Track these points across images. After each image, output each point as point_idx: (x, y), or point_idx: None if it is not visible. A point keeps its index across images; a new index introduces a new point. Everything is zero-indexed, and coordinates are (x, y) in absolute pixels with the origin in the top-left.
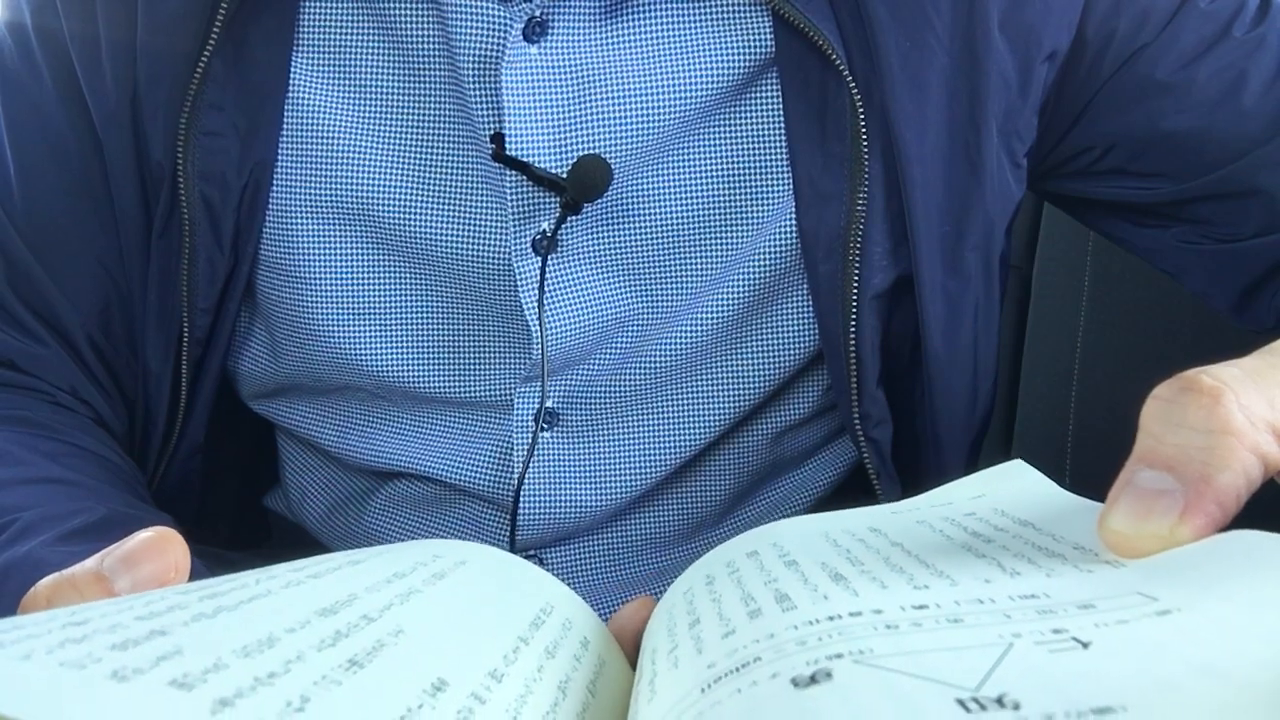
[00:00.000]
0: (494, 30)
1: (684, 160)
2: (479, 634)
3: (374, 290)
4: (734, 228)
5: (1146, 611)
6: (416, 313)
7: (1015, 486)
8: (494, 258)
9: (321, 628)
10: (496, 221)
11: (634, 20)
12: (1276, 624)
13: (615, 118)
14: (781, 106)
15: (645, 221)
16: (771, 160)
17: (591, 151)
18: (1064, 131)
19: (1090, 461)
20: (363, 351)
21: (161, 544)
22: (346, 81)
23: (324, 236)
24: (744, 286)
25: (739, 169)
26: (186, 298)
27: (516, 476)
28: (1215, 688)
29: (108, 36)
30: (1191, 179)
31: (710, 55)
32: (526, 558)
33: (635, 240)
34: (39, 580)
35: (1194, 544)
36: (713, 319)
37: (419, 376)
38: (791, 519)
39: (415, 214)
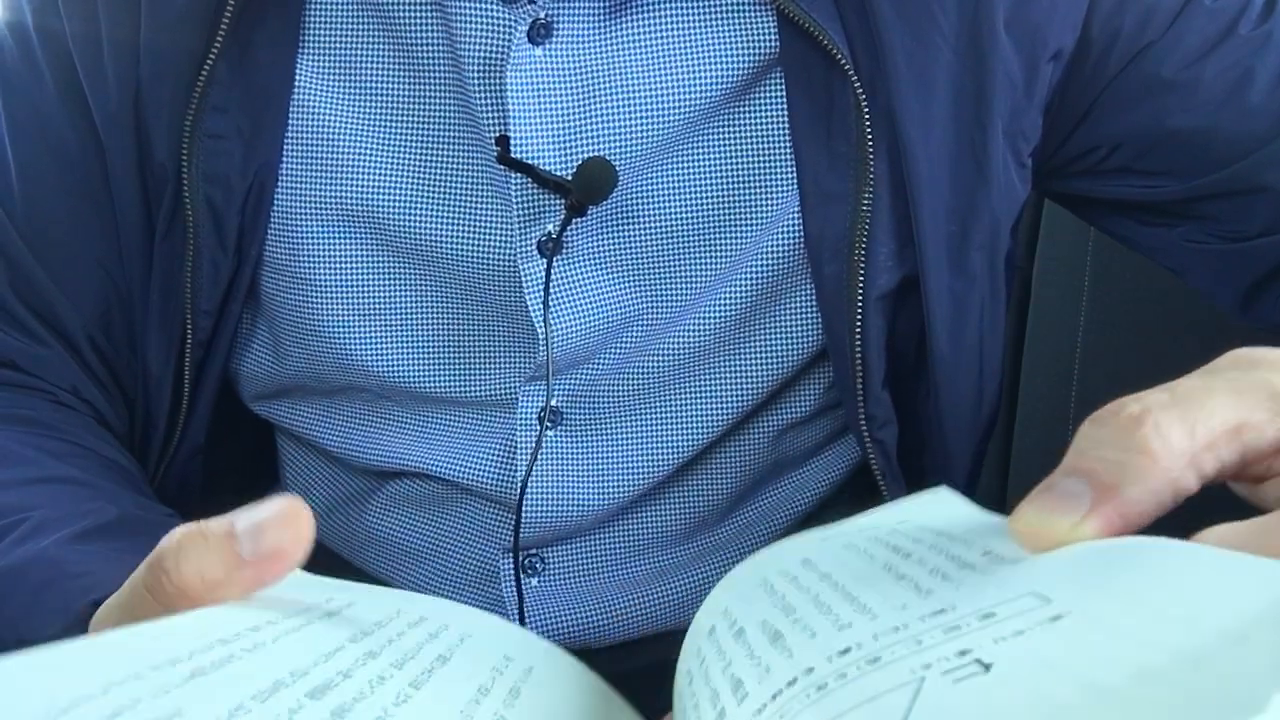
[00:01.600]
0: (498, 32)
1: (689, 161)
2: None
3: (378, 291)
4: (739, 228)
5: (1040, 618)
6: (421, 313)
7: (941, 509)
8: (499, 259)
9: None
10: (501, 223)
11: (638, 20)
12: (1154, 628)
13: (620, 119)
14: (786, 106)
15: (650, 222)
16: (777, 160)
17: (597, 153)
18: (1069, 131)
19: None
20: (367, 352)
21: (291, 516)
22: (351, 84)
23: (329, 238)
24: (748, 286)
25: (744, 169)
26: (189, 300)
27: (520, 475)
28: (1103, 709)
29: (110, 37)
30: (1198, 177)
31: (715, 55)
32: (527, 557)
33: (640, 241)
34: (55, 578)
35: (1089, 545)
36: (717, 318)
37: (423, 377)
38: (732, 572)
39: (420, 216)
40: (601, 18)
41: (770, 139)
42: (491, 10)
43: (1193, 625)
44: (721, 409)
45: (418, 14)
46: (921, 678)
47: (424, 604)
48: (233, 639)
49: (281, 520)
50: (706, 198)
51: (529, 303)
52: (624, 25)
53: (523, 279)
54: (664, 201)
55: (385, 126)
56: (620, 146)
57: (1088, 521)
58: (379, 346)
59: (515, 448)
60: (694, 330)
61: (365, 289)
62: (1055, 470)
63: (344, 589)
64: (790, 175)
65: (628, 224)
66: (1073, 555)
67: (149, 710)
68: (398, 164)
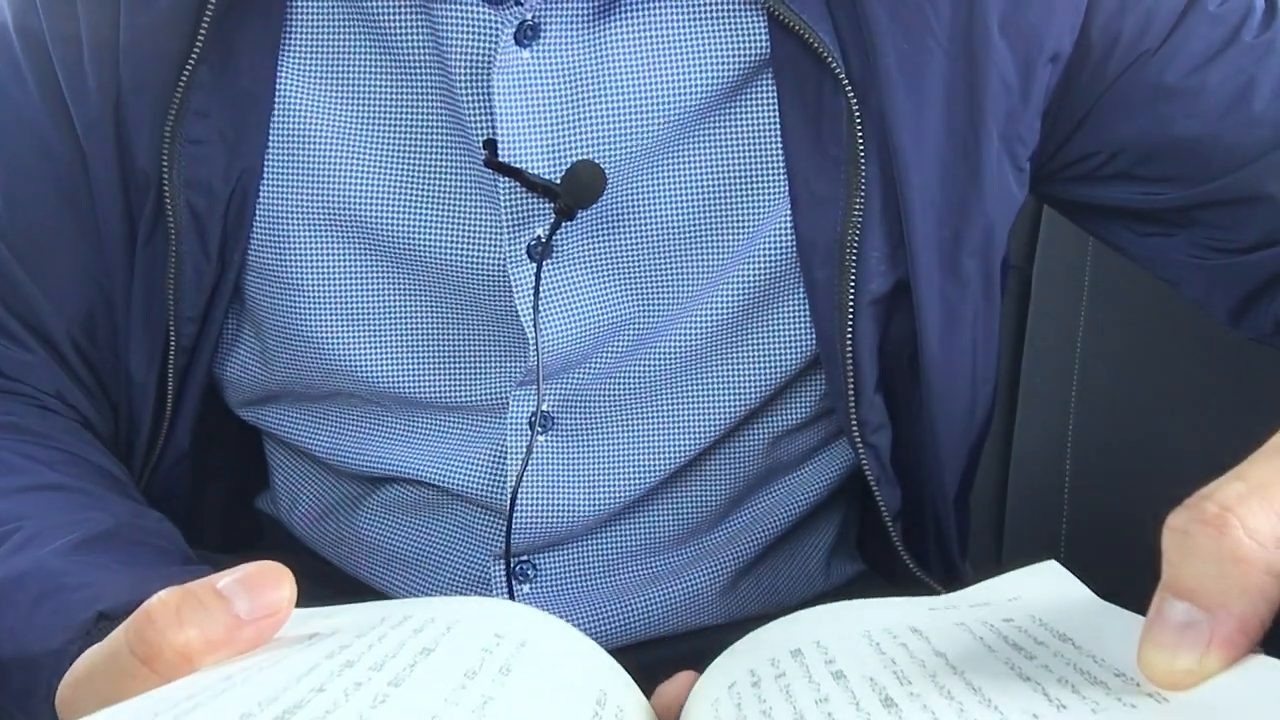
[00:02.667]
0: (485, 35)
1: (679, 164)
2: None
3: (366, 296)
4: (729, 232)
5: None
6: (410, 318)
7: (1050, 591)
8: (488, 264)
9: None
10: (490, 228)
11: (626, 22)
12: None
13: (609, 122)
14: (777, 108)
15: (640, 226)
16: (767, 163)
17: (586, 157)
18: (1068, 135)
19: (1090, 462)
20: (355, 357)
21: (278, 574)
22: (336, 87)
23: (315, 242)
24: (740, 291)
25: (734, 172)
26: (172, 306)
27: (510, 481)
28: None
29: (90, 40)
30: (1198, 185)
31: (704, 56)
32: (519, 565)
33: (630, 245)
34: (53, 589)
35: (1230, 676)
36: (708, 323)
37: (412, 382)
38: (827, 606)
39: (408, 221)
40: (589, 20)
41: (761, 141)
42: (478, 12)
43: None
44: (714, 415)
45: (403, 16)
46: None
47: (411, 605)
48: (201, 690)
49: (271, 578)
50: (697, 200)
51: (519, 307)
52: (612, 27)
53: (512, 283)
54: (654, 204)
55: (371, 130)
56: (609, 149)
57: (1213, 654)
58: (367, 351)
59: (505, 453)
60: (685, 336)
61: (353, 294)
62: (1159, 586)
63: (328, 614)
64: (781, 178)
65: (617, 227)
66: (1214, 689)
67: None
68: (384, 168)
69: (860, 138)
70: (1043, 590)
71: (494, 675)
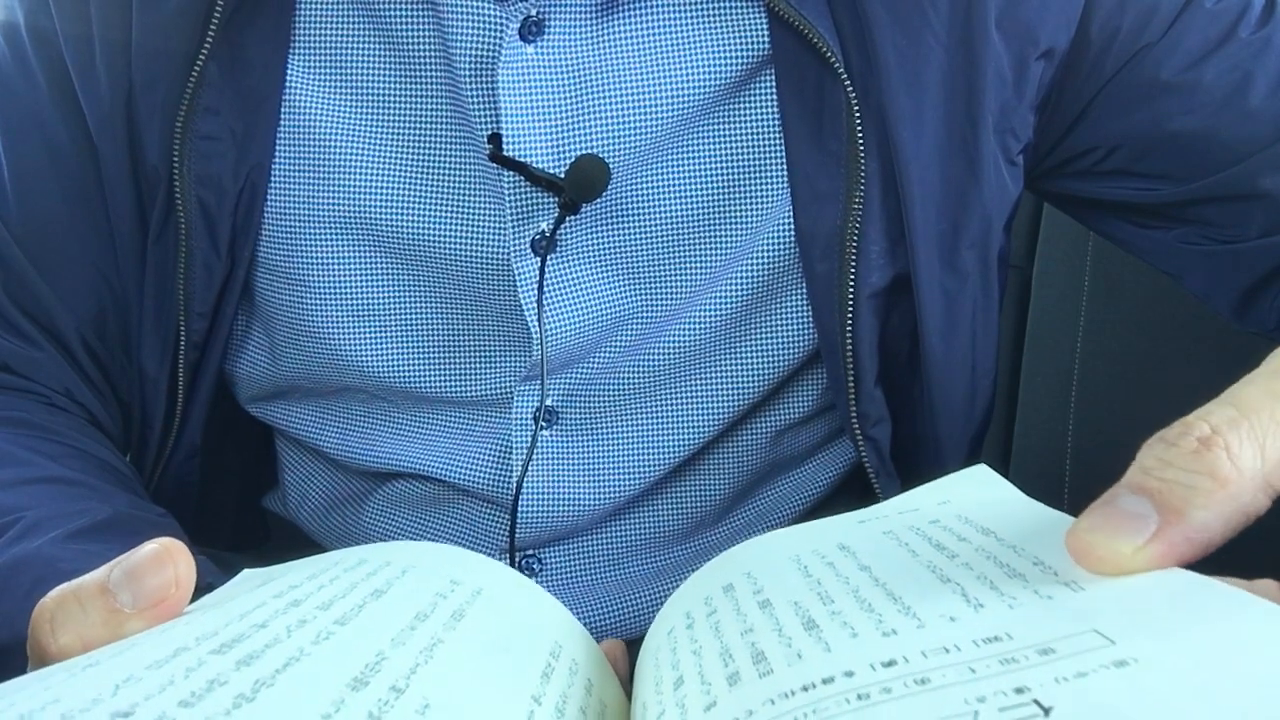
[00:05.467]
0: (490, 30)
1: (682, 159)
2: (498, 698)
3: (373, 291)
4: (731, 227)
5: (1104, 660)
6: (416, 313)
7: (980, 492)
8: (493, 258)
9: (357, 708)
10: (495, 222)
11: (630, 18)
12: (1224, 684)
13: (613, 117)
14: (778, 105)
15: (643, 221)
16: (769, 159)
17: (589, 151)
18: (1065, 130)
19: (1090, 461)
20: (362, 352)
21: (164, 558)
22: (343, 83)
23: (323, 238)
24: (742, 286)
25: (736, 168)
26: (183, 302)
27: (516, 475)
28: None
29: (102, 39)
30: (1195, 180)
31: (707, 53)
32: (525, 558)
33: (634, 240)
34: (48, 575)
35: (1151, 580)
36: (710, 318)
37: (418, 377)
38: (764, 535)
39: (414, 215)
40: (594, 16)
41: (762, 137)
42: (483, 8)
43: (1274, 695)
44: (716, 410)
45: (409, 12)
46: (975, 711)
47: (368, 549)
48: (141, 636)
49: (158, 562)
50: (699, 196)
51: (523, 301)
52: (616, 23)
53: (516, 277)
54: (657, 199)
55: (377, 126)
56: (613, 144)
57: (1152, 546)
58: (374, 347)
59: (510, 448)
60: (687, 331)
61: (359, 289)
62: (1117, 484)
63: (286, 567)
64: (782, 174)
65: (621, 222)
66: (1134, 589)
67: (24, 703)
68: (390, 163)
69: (860, 133)
70: (972, 492)
71: (446, 619)
